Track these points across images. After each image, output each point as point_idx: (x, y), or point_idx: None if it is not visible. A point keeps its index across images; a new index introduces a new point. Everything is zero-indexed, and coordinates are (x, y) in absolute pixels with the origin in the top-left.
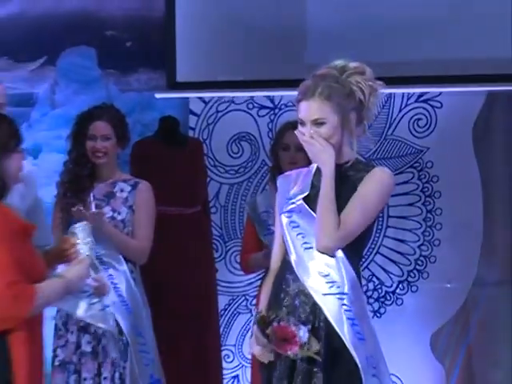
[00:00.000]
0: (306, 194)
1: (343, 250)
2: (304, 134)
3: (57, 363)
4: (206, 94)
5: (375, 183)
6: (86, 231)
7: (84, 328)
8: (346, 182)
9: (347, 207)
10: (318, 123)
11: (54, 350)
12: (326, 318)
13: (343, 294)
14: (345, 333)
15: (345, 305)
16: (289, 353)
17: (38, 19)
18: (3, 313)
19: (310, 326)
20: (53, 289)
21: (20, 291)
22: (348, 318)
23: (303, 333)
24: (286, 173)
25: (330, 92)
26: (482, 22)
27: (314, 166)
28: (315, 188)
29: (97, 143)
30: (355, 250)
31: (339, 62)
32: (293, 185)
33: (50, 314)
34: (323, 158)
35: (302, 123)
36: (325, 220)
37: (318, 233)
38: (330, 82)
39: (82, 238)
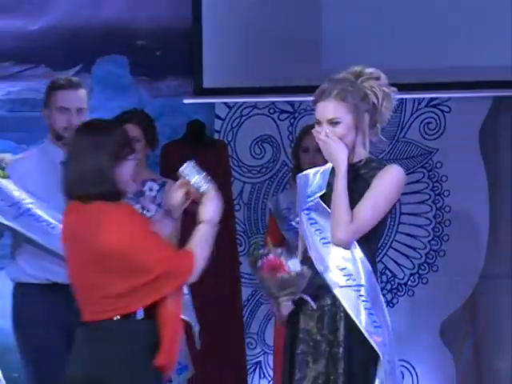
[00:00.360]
0: (323, 192)
1: (359, 244)
2: (320, 133)
3: None
4: (231, 100)
5: (387, 179)
6: (194, 167)
7: None
8: (359, 179)
9: (360, 202)
10: (333, 122)
11: None
12: (345, 309)
13: (360, 285)
14: (362, 322)
15: (362, 296)
16: (278, 275)
17: (73, 30)
18: (174, 271)
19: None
20: (204, 238)
21: (181, 254)
22: (365, 308)
23: (294, 263)
24: (305, 171)
25: (346, 94)
26: (487, 33)
27: (330, 165)
28: (331, 186)
29: None
30: (370, 244)
31: (356, 68)
32: (311, 182)
33: None
34: (336, 156)
35: (319, 123)
36: (338, 215)
37: (332, 227)
38: (345, 85)
39: (193, 175)
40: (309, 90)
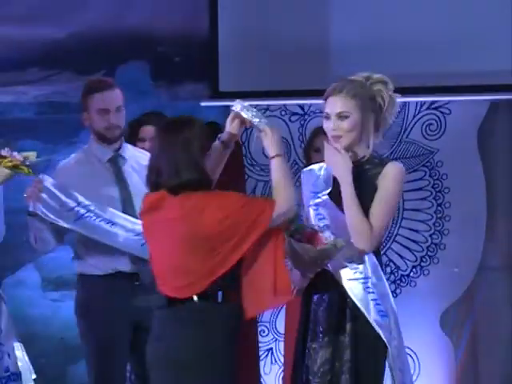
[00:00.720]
0: (330, 189)
1: None
2: (329, 128)
3: None
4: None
5: (391, 180)
6: (243, 103)
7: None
8: (363, 176)
9: (374, 210)
10: (341, 116)
11: None
12: (351, 300)
13: (367, 278)
14: (370, 312)
15: (368, 287)
16: (318, 247)
17: (97, 38)
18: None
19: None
20: (281, 172)
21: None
22: (372, 299)
23: (328, 235)
24: (309, 167)
25: (355, 92)
26: (485, 40)
27: None
28: (337, 184)
29: (146, 144)
30: None
31: (365, 73)
32: (316, 178)
33: None
34: (340, 169)
35: (327, 117)
36: (357, 226)
37: (355, 239)
38: (355, 85)
39: (247, 111)
40: (318, 93)
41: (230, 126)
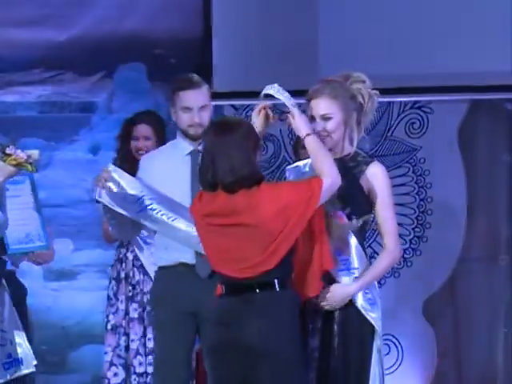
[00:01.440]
0: None
1: (354, 233)
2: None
3: (109, 327)
4: (237, 102)
5: (382, 184)
6: (274, 86)
7: (131, 297)
8: (349, 173)
9: (384, 215)
10: (325, 118)
11: (107, 316)
12: None
13: (354, 268)
14: (358, 299)
15: (356, 277)
16: (341, 223)
17: (97, 40)
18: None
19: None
20: (317, 149)
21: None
22: None
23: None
24: (295, 164)
25: (336, 93)
26: (464, 43)
27: None
28: None
29: (139, 143)
30: (362, 232)
31: (344, 72)
32: (300, 175)
33: (103, 285)
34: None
35: (313, 118)
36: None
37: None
38: (336, 86)
39: (280, 93)
40: (306, 93)
41: (255, 121)
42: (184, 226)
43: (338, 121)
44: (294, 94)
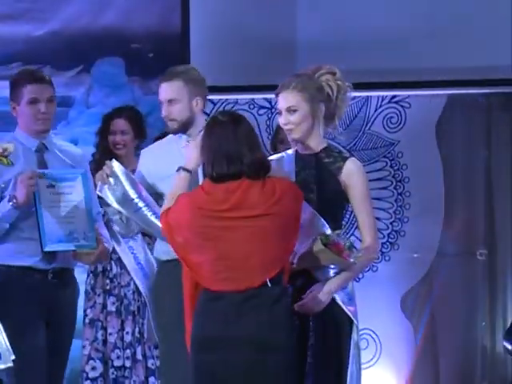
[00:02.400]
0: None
1: (329, 224)
2: (281, 122)
3: (87, 321)
4: (215, 97)
5: (359, 180)
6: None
7: (109, 290)
8: (324, 169)
9: (361, 208)
10: (290, 110)
11: (85, 311)
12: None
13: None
14: (336, 295)
15: (336, 273)
16: (348, 259)
17: (75, 35)
18: None
19: None
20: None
21: None
22: None
23: (343, 242)
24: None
25: (302, 86)
26: (441, 37)
27: (291, 151)
28: (299, 174)
29: (116, 137)
30: (336, 224)
31: (315, 65)
32: (275, 170)
33: (81, 279)
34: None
35: (280, 113)
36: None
37: (367, 238)
38: (303, 79)
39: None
40: None
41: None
42: None
43: (303, 113)
44: (271, 88)
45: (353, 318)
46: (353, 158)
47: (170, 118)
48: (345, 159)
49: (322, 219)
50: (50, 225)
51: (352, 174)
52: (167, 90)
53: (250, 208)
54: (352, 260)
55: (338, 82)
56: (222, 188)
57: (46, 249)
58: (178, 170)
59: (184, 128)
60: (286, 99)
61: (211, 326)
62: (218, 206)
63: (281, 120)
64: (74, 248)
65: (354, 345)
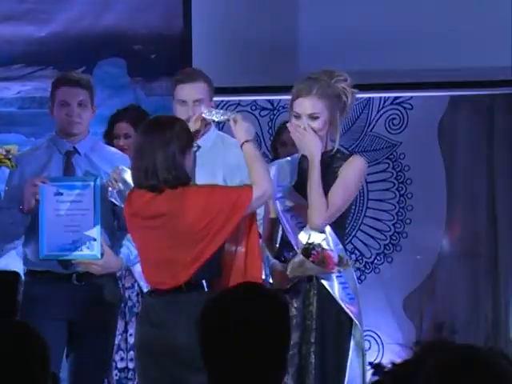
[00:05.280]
0: (294, 182)
1: (331, 227)
2: (299, 126)
3: None
4: (217, 98)
5: (352, 168)
6: (210, 110)
7: None
8: (328, 169)
9: (332, 190)
10: (313, 117)
11: None
12: (319, 283)
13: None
14: (336, 293)
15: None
16: (334, 271)
17: (77, 36)
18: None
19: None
20: (254, 154)
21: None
22: (340, 283)
23: (334, 254)
24: (273, 162)
25: (323, 92)
26: (444, 38)
27: (298, 157)
28: (301, 176)
29: (120, 141)
30: (340, 227)
31: (327, 70)
32: (279, 173)
33: None
34: (312, 148)
35: (298, 116)
36: (316, 203)
37: (311, 213)
38: (323, 85)
39: (214, 114)
40: (286, 89)
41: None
42: None
43: (324, 120)
44: (273, 89)
45: (353, 318)
46: (356, 155)
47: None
48: (348, 156)
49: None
50: (51, 232)
51: (347, 164)
52: (193, 90)
53: (151, 218)
54: (335, 270)
55: (352, 90)
56: (136, 194)
57: (42, 257)
58: (241, 145)
59: (205, 127)
60: (307, 105)
61: (143, 329)
62: (129, 210)
63: (298, 123)
64: (73, 257)
65: (354, 343)
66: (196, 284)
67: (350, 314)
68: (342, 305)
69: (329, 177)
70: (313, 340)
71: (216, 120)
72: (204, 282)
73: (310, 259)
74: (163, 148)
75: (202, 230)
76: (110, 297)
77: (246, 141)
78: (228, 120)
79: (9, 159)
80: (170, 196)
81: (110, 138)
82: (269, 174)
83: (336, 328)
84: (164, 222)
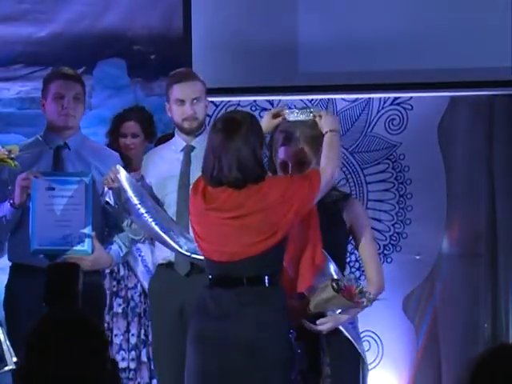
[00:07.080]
0: None
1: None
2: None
3: None
4: (217, 98)
5: (361, 217)
6: (293, 111)
7: (116, 292)
8: (331, 209)
9: (366, 255)
10: (301, 163)
11: None
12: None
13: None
14: (346, 330)
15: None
16: (361, 303)
17: (77, 36)
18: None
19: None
20: (333, 145)
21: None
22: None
23: (355, 286)
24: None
25: (308, 136)
26: (443, 38)
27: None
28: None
29: (127, 140)
30: (340, 260)
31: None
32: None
33: None
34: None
35: (285, 164)
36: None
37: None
38: (304, 128)
39: (298, 115)
40: (286, 90)
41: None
42: (173, 242)
43: (312, 164)
44: (273, 89)
45: (363, 356)
46: (353, 198)
47: (195, 117)
48: (347, 197)
49: (333, 263)
50: (42, 226)
51: (356, 213)
52: (190, 89)
53: (233, 210)
54: (365, 303)
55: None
56: (210, 191)
57: (31, 250)
58: (325, 133)
59: (201, 127)
60: (293, 153)
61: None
62: (206, 206)
63: (285, 169)
64: (64, 252)
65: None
66: (257, 278)
67: (359, 351)
68: (354, 343)
69: (332, 217)
70: (328, 372)
71: (302, 120)
72: (266, 277)
73: (341, 294)
74: (246, 143)
75: (279, 215)
76: (96, 293)
77: (330, 130)
78: (315, 116)
79: (11, 159)
80: (253, 190)
81: (114, 135)
82: (338, 160)
83: (350, 367)
84: (246, 210)
